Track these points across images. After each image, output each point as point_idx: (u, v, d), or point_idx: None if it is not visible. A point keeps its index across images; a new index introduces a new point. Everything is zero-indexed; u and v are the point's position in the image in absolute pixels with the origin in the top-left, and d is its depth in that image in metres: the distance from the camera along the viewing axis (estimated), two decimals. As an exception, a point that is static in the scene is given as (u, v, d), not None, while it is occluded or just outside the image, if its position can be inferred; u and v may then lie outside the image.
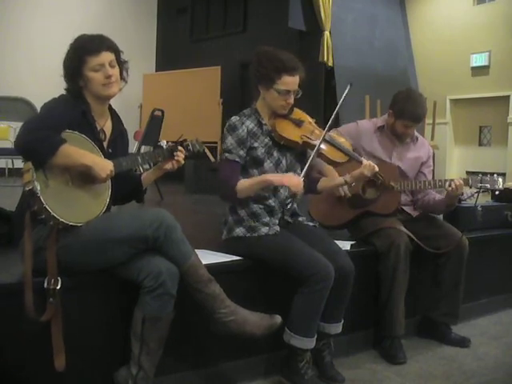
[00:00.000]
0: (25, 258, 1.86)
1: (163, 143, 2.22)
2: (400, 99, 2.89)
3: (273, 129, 2.42)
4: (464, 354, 2.81)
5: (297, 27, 7.22)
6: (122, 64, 2.16)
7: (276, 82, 2.34)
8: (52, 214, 1.82)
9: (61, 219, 1.85)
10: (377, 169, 2.52)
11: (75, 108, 2.02)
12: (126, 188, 2.20)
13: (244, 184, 2.33)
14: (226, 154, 2.36)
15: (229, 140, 2.36)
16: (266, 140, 2.43)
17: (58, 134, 1.88)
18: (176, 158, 2.20)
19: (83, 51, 2.04)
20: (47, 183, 1.85)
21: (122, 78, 2.16)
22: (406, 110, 2.84)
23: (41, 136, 1.82)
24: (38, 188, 1.81)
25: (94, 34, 2.11)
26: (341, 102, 2.47)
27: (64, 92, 2.10)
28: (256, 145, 2.40)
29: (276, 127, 2.41)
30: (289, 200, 2.47)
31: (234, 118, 2.41)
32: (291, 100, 2.40)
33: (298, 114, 2.50)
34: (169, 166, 2.21)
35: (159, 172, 2.26)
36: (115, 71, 2.09)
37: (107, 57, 2.07)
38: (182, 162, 2.22)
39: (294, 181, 2.28)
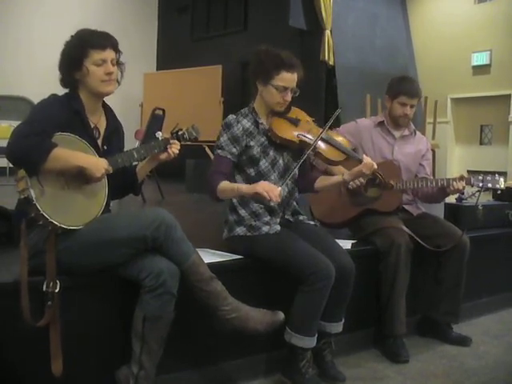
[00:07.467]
0: (20, 264, 1.84)
1: (159, 134, 2.21)
2: (394, 82, 3.04)
3: (269, 128, 2.42)
4: (465, 352, 2.81)
5: (298, 26, 7.20)
6: (119, 65, 2.14)
7: (274, 78, 2.34)
8: (50, 220, 1.81)
9: (59, 224, 1.84)
10: (375, 166, 2.47)
11: (67, 107, 1.99)
12: (121, 182, 2.18)
13: (225, 186, 2.28)
14: (218, 151, 2.40)
15: (223, 137, 2.39)
16: (263, 139, 2.42)
17: (49, 137, 1.85)
18: (169, 150, 2.18)
19: (88, 44, 2.02)
20: (42, 190, 1.82)
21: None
22: (399, 88, 2.98)
23: (30, 143, 1.78)
24: (34, 195, 1.79)
25: (99, 30, 2.10)
26: (329, 123, 2.44)
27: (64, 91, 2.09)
28: (252, 144, 2.40)
29: (272, 126, 2.40)
30: (261, 206, 2.40)
31: (231, 117, 2.43)
32: (288, 97, 2.39)
33: (296, 112, 2.49)
34: (164, 156, 2.20)
35: (154, 162, 2.24)
36: (115, 70, 2.09)
37: (111, 54, 2.06)
38: (177, 152, 2.21)
39: (271, 191, 2.13)
